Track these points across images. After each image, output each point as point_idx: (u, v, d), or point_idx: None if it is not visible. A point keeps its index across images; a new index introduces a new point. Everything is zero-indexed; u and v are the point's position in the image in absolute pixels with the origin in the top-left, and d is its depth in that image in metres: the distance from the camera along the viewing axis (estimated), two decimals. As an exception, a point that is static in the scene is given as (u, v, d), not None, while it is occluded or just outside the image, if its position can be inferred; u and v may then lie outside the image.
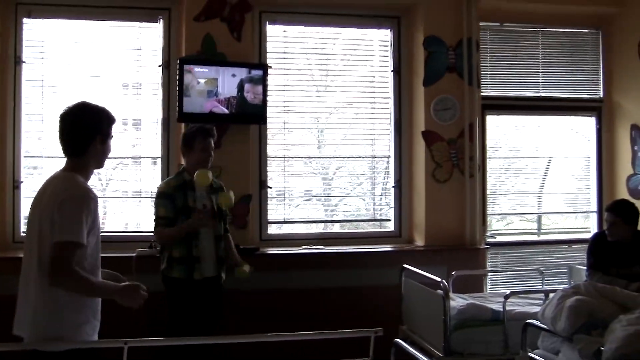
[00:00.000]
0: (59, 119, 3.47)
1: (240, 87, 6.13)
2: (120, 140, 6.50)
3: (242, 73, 6.15)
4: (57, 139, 3.48)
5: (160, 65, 6.40)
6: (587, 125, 7.51)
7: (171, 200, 4.88)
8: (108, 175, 6.58)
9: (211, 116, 6.08)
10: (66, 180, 3.29)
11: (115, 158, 6.44)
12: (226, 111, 6.11)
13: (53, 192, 3.24)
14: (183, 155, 5.14)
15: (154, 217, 5.01)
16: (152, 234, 5.15)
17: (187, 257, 4.85)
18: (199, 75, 6.04)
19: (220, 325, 5.15)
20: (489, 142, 7.20)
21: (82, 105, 3.47)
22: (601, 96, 7.40)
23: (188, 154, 5.07)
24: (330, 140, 7.06)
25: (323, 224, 7.05)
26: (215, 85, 6.08)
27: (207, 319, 4.96)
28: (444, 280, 4.99)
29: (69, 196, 3.18)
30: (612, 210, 5.41)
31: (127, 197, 6.64)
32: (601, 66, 7.41)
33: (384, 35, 6.98)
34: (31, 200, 3.47)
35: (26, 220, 3.95)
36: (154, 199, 5.10)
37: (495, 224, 7.53)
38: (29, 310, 3.20)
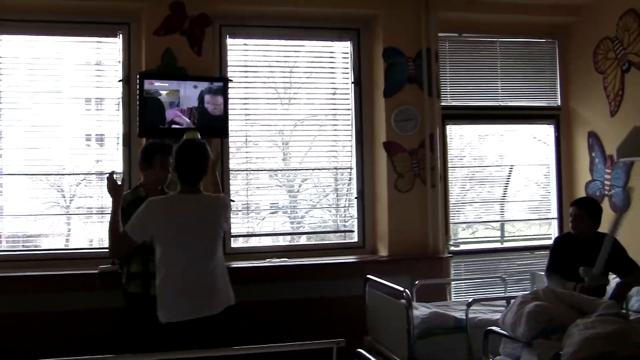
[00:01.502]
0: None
1: (201, 99, 6.13)
2: (83, 156, 6.50)
3: (203, 85, 6.14)
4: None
5: (120, 80, 6.38)
6: (546, 133, 7.61)
7: (126, 215, 4.63)
8: (72, 191, 6.52)
9: (172, 131, 6.05)
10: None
11: (78, 174, 6.41)
12: (188, 120, 6.08)
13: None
14: (141, 171, 5.02)
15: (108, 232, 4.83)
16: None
17: (144, 272, 4.75)
18: (160, 88, 6.03)
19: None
20: (453, 152, 7.28)
21: None
22: (559, 104, 7.52)
23: (147, 170, 4.97)
24: (295, 153, 7.06)
25: (290, 236, 7.06)
26: (177, 96, 6.07)
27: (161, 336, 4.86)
28: (406, 290, 5.01)
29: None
30: (576, 203, 5.48)
31: (91, 214, 6.59)
32: (558, 75, 7.54)
33: (345, 48, 7.02)
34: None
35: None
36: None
37: (461, 233, 7.58)
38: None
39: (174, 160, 4.31)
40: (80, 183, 6.52)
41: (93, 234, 6.55)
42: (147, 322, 4.66)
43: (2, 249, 6.29)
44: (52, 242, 6.53)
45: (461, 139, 7.48)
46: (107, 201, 6.03)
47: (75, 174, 6.45)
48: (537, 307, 4.01)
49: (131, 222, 4.24)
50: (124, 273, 4.87)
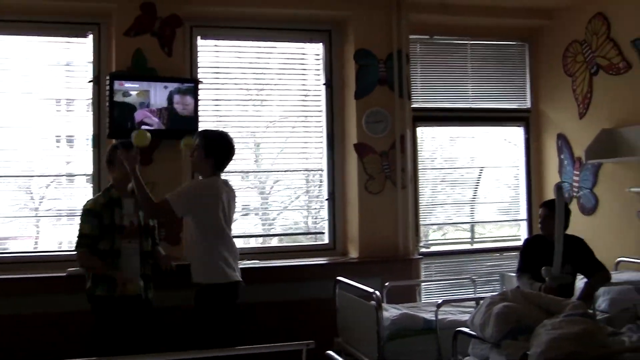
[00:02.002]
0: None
1: (170, 99, 6.11)
2: (53, 157, 6.43)
3: (173, 86, 6.13)
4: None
5: (90, 81, 6.33)
6: (516, 135, 7.66)
7: (98, 218, 4.77)
8: (41, 193, 6.45)
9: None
10: None
11: (48, 176, 6.35)
12: (157, 121, 6.07)
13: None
14: (110, 172, 5.03)
15: (77, 235, 4.85)
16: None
17: (107, 275, 4.75)
18: (130, 89, 5.99)
19: (151, 344, 4.97)
20: (424, 154, 7.32)
21: None
22: (529, 107, 7.58)
23: (112, 169, 4.96)
24: (266, 155, 7.04)
25: (261, 238, 7.04)
26: (147, 97, 6.05)
27: (133, 338, 4.80)
28: (376, 292, 5.03)
29: None
30: (545, 205, 5.56)
31: (60, 216, 6.52)
32: (528, 77, 7.60)
33: (317, 49, 7.03)
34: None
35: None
36: (80, 216, 4.91)
37: (432, 234, 7.62)
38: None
39: (210, 149, 4.86)
40: (49, 185, 6.44)
41: (62, 236, 6.48)
42: (116, 324, 4.76)
43: (-30, 251, 6.22)
44: (20, 244, 6.45)
45: (433, 140, 7.51)
46: (77, 203, 6.04)
47: (45, 176, 6.37)
48: (506, 308, 4.03)
49: (176, 195, 4.78)
50: (89, 276, 4.84)
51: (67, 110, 6.57)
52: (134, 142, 4.91)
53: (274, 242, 7.08)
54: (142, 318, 4.91)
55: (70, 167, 6.48)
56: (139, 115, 6.02)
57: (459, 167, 7.66)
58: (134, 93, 6.00)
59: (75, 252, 4.89)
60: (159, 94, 6.07)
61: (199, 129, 5.81)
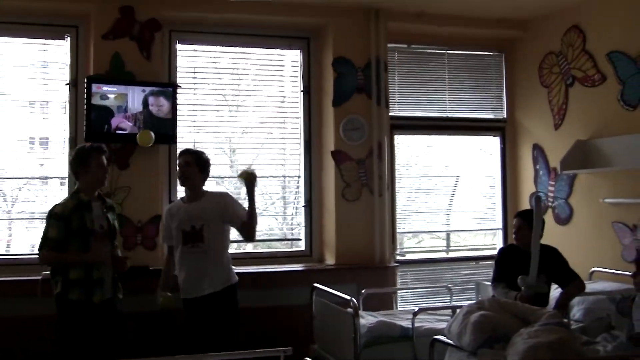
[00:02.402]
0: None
1: (145, 102, 6.10)
2: (26, 160, 6.37)
3: (151, 90, 6.13)
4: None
5: (67, 84, 6.28)
6: (492, 144, 7.72)
7: (66, 222, 4.63)
8: (14, 195, 6.38)
9: (119, 136, 6.01)
10: None
11: (21, 178, 6.28)
12: (131, 125, 6.06)
13: None
14: (77, 175, 4.82)
15: (41, 237, 4.68)
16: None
17: (86, 279, 4.63)
18: (108, 92, 5.97)
19: (122, 349, 4.89)
20: (400, 162, 7.33)
21: None
22: (505, 116, 7.64)
23: (84, 173, 4.79)
24: (242, 160, 6.99)
25: (236, 243, 6.99)
26: (124, 100, 6.02)
27: (104, 343, 4.73)
28: (353, 299, 5.04)
29: None
30: (519, 215, 5.58)
31: (33, 218, 6.46)
32: (504, 88, 7.67)
33: (295, 56, 7.04)
34: None
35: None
36: (46, 219, 4.73)
37: (406, 242, 7.64)
38: None
39: (204, 166, 5.20)
40: (22, 187, 6.37)
41: (35, 239, 6.40)
42: (89, 330, 4.65)
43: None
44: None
45: (408, 148, 7.53)
46: (51, 206, 5.96)
47: (18, 178, 6.30)
48: (482, 317, 4.06)
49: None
50: (58, 280, 4.67)
51: (42, 113, 6.51)
52: (138, 142, 5.29)
53: (249, 248, 7.05)
54: (112, 322, 4.82)
55: (44, 170, 6.42)
56: (115, 121, 6.00)
57: (434, 175, 7.68)
58: (111, 96, 5.97)
59: (39, 253, 4.68)
60: (137, 97, 6.05)
61: (190, 148, 5.57)
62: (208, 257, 5.12)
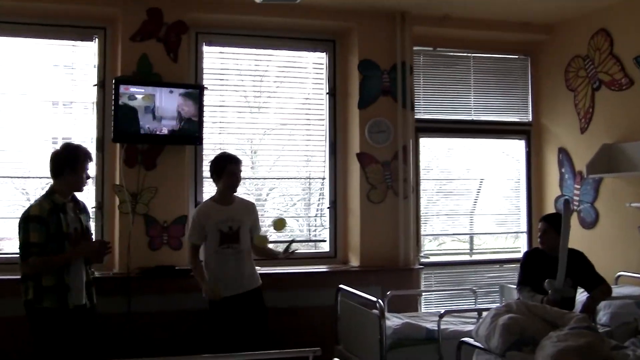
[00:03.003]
0: None
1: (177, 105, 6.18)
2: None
3: (179, 91, 6.16)
4: None
5: (95, 85, 6.34)
6: (517, 148, 7.70)
7: (46, 225, 4.44)
8: (36, 195, 6.42)
9: (146, 137, 6.05)
10: None
11: (44, 177, 6.31)
12: (172, 127, 6.16)
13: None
14: (59, 174, 4.63)
15: (22, 244, 4.47)
16: (21, 263, 4.51)
17: (59, 285, 4.46)
18: (136, 93, 6.02)
19: (98, 354, 4.86)
20: (421, 164, 7.31)
21: None
22: (530, 120, 7.62)
23: (70, 173, 4.62)
24: (264, 162, 7.04)
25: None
26: (152, 101, 6.07)
27: (83, 349, 4.62)
28: (379, 300, 5.05)
29: None
30: (545, 219, 5.56)
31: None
32: (530, 91, 7.64)
33: (319, 58, 7.06)
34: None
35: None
36: (20, 224, 4.50)
37: (427, 245, 7.63)
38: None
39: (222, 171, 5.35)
40: (45, 187, 6.41)
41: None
42: (67, 336, 4.51)
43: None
44: (15, 245, 6.41)
45: (429, 151, 7.52)
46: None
47: (40, 177, 6.35)
48: (510, 320, 4.06)
49: None
50: (29, 286, 4.47)
51: (66, 113, 6.55)
52: (275, 229, 5.61)
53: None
54: (88, 329, 4.71)
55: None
56: (144, 121, 6.07)
57: (455, 178, 7.68)
58: (139, 97, 6.01)
59: (23, 263, 4.46)
60: (164, 98, 6.09)
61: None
62: (243, 257, 5.37)
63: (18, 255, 4.52)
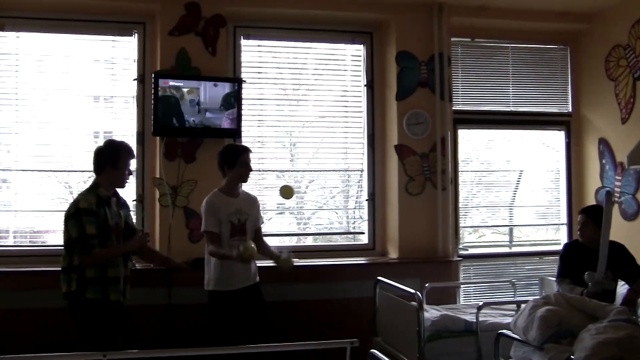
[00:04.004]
0: None
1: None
2: (92, 153, 6.48)
3: (224, 85, 6.24)
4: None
5: (135, 79, 6.42)
6: (556, 139, 7.63)
7: (96, 217, 4.51)
8: (79, 188, 6.53)
9: (186, 130, 6.12)
10: None
11: (85, 171, 6.42)
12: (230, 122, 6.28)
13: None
14: (102, 169, 4.71)
15: (78, 237, 4.48)
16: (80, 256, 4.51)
17: (102, 278, 4.53)
18: (183, 86, 6.13)
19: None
20: (460, 156, 7.29)
21: None
22: (570, 110, 7.54)
23: (112, 168, 4.70)
24: (302, 154, 7.08)
25: (296, 237, 7.07)
26: (197, 94, 6.15)
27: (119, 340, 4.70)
28: (418, 292, 5.05)
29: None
30: (584, 212, 5.53)
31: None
32: (569, 81, 7.55)
33: (356, 50, 7.06)
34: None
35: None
36: (71, 218, 4.53)
37: (467, 237, 7.60)
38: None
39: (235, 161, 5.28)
40: (87, 180, 6.51)
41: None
42: (107, 328, 4.59)
43: (10, 244, 6.34)
44: (58, 238, 6.53)
45: (469, 142, 7.49)
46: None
47: (82, 171, 6.46)
48: (549, 312, 4.04)
49: None
50: (72, 279, 4.53)
51: (107, 108, 6.65)
52: (282, 196, 5.53)
53: (309, 241, 7.11)
54: (121, 321, 4.79)
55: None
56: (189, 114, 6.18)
57: (494, 170, 7.64)
58: (185, 90, 6.10)
59: (86, 257, 4.49)
60: (209, 91, 6.17)
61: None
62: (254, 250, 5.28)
63: (65, 248, 4.59)
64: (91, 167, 4.80)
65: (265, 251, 5.50)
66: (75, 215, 4.51)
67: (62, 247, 4.63)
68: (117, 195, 4.83)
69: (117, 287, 4.64)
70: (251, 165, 5.45)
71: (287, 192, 5.52)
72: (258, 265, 5.48)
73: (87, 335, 4.56)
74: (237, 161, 5.31)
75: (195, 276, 5.39)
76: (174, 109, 6.09)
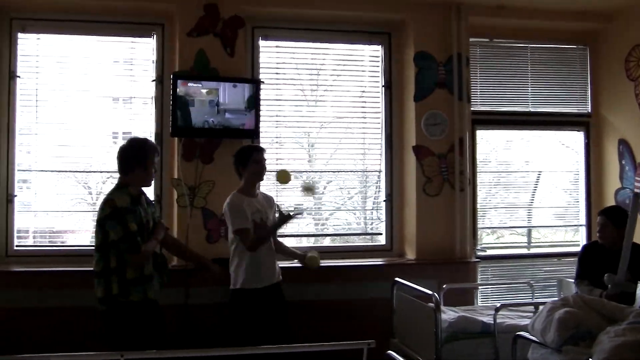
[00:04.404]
0: None
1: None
2: (111, 153, 6.51)
3: (244, 86, 6.27)
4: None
5: (153, 80, 6.45)
6: (575, 139, 7.59)
7: (134, 214, 4.49)
8: (98, 189, 6.59)
9: (204, 131, 6.14)
10: None
11: (105, 172, 6.49)
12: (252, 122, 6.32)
13: None
14: (130, 169, 4.65)
15: (122, 236, 4.40)
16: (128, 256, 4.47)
17: (141, 277, 4.52)
18: (204, 87, 6.16)
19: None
20: (478, 157, 7.26)
21: None
22: (589, 111, 7.49)
23: (140, 168, 4.66)
24: (320, 155, 7.09)
25: (314, 237, 7.08)
26: (216, 95, 6.17)
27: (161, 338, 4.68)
28: (435, 294, 5.04)
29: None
30: (604, 213, 5.51)
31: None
32: (589, 82, 7.50)
33: (374, 51, 7.05)
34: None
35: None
36: (109, 218, 4.44)
37: (485, 238, 7.58)
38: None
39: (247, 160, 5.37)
40: (105, 181, 6.56)
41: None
42: (149, 327, 4.61)
43: (30, 244, 6.40)
44: (77, 238, 6.63)
45: (487, 143, 7.46)
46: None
47: (102, 172, 6.51)
48: (567, 314, 4.03)
49: None
50: (112, 281, 4.47)
51: (126, 109, 6.69)
52: (279, 180, 5.58)
53: (326, 242, 7.11)
54: (163, 319, 4.81)
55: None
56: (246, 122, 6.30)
57: (513, 170, 7.61)
58: (204, 91, 6.13)
59: (136, 255, 4.45)
60: (228, 92, 6.20)
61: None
62: (272, 248, 5.45)
63: (98, 251, 4.53)
64: (110, 168, 4.75)
65: (285, 251, 5.62)
66: (114, 214, 4.43)
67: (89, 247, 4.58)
68: (144, 193, 4.81)
69: (152, 285, 4.63)
70: (266, 164, 5.49)
71: (282, 176, 5.55)
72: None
73: (128, 338, 4.45)
74: (249, 160, 5.38)
75: (211, 276, 5.41)
76: (192, 109, 6.11)
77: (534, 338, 4.21)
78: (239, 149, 5.58)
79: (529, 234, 7.76)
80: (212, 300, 5.79)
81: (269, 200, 5.58)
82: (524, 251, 7.69)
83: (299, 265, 5.77)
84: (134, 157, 4.66)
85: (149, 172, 4.71)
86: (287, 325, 5.45)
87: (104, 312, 4.55)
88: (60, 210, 6.51)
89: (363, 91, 7.04)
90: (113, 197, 4.52)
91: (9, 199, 6.23)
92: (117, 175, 4.76)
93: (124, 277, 4.46)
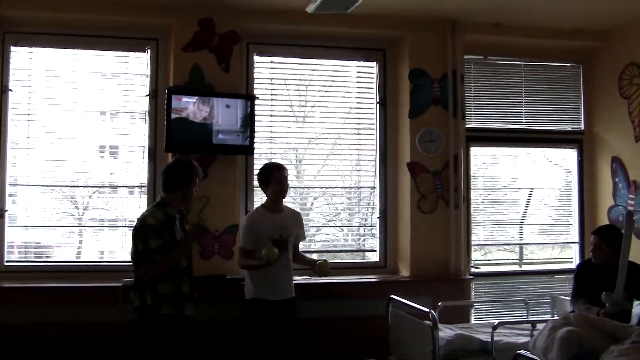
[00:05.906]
0: None
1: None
2: (99, 168, 6.58)
3: (236, 104, 6.22)
4: None
5: (147, 95, 6.41)
6: (568, 157, 7.60)
7: (160, 234, 4.57)
8: (84, 203, 6.53)
9: (198, 146, 6.11)
10: None
11: (91, 187, 6.46)
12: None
13: None
14: (173, 188, 4.78)
15: (142, 251, 4.56)
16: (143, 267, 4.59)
17: (177, 294, 4.63)
18: (197, 107, 6.13)
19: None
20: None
21: None
22: (582, 129, 7.51)
23: (183, 187, 4.79)
24: (310, 171, 7.09)
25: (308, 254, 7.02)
26: (211, 113, 6.16)
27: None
28: (432, 311, 5.02)
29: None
30: (597, 233, 5.50)
31: (102, 226, 6.66)
32: (582, 99, 7.53)
33: (369, 67, 7.05)
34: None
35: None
36: (141, 232, 4.60)
37: (473, 254, 7.53)
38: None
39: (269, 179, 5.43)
40: (91, 196, 6.51)
41: (104, 246, 6.60)
42: (182, 343, 4.70)
43: (13, 259, 6.31)
44: (63, 253, 6.54)
45: (475, 159, 7.37)
46: (120, 214, 6.08)
47: (88, 187, 6.47)
48: (569, 333, 3.99)
49: None
50: (146, 293, 4.59)
51: (118, 123, 6.66)
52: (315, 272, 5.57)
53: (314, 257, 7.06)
54: (190, 337, 4.84)
55: (112, 178, 6.59)
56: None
57: (503, 187, 7.60)
58: (198, 107, 6.12)
59: (148, 264, 4.55)
60: (221, 112, 6.19)
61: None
62: (290, 264, 5.50)
63: (134, 264, 4.68)
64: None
65: (302, 259, 5.71)
66: (141, 230, 4.61)
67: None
68: (181, 212, 4.91)
69: (190, 302, 4.75)
70: (287, 181, 5.54)
71: (321, 269, 5.55)
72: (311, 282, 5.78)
73: (155, 350, 4.63)
74: (270, 179, 5.45)
75: (223, 292, 5.58)
76: (187, 125, 6.07)
77: (535, 357, 4.18)
78: (261, 167, 5.62)
79: (520, 251, 7.75)
80: (208, 317, 5.72)
81: (295, 216, 5.67)
82: (517, 268, 7.67)
83: (302, 282, 5.86)
84: (179, 176, 4.81)
85: (191, 192, 4.83)
86: (297, 342, 5.51)
87: (137, 321, 4.68)
88: (46, 225, 6.46)
89: (354, 107, 7.04)
90: (146, 215, 4.72)
91: (0, 213, 6.15)
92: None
93: (156, 291, 4.59)
